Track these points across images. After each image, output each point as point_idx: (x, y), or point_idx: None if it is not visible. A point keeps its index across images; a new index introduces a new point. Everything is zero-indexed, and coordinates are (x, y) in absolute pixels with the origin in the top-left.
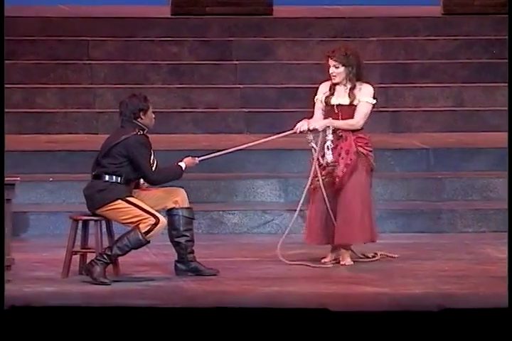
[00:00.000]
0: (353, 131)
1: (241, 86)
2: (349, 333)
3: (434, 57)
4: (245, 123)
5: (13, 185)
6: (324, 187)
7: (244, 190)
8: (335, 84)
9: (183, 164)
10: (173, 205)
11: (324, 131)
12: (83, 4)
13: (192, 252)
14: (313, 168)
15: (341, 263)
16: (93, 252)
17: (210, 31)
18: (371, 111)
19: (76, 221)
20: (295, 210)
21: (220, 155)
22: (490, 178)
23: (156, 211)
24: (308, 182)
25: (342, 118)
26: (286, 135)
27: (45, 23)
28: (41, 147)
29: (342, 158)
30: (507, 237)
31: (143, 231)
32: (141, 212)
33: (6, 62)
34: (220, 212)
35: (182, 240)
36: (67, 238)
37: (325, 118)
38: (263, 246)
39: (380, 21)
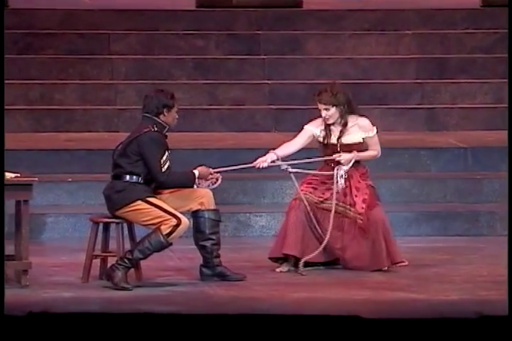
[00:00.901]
0: (356, 166)
1: (269, 82)
2: None
3: (472, 52)
4: (274, 121)
5: (31, 185)
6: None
7: (272, 191)
8: (329, 125)
9: (196, 172)
10: (198, 207)
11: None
12: None
13: (218, 256)
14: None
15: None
16: (114, 256)
17: (237, 24)
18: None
19: (96, 223)
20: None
21: (237, 169)
22: None
23: (181, 213)
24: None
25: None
26: (245, 168)
27: (64, 16)
28: (60, 146)
29: (356, 196)
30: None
31: (164, 233)
32: (162, 213)
33: (24, 56)
34: (247, 214)
35: (208, 243)
36: (87, 241)
37: (323, 155)
38: None
39: (415, 13)
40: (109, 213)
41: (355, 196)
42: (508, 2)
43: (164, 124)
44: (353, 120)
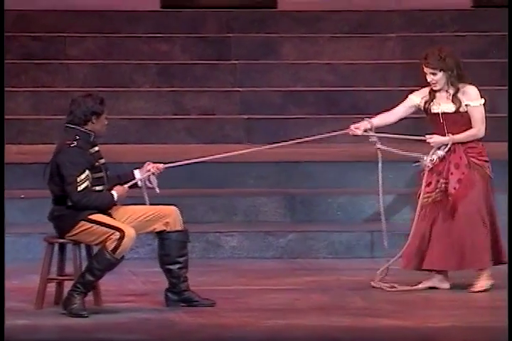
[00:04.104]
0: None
1: (241, 89)
2: None
3: (463, 56)
4: (245, 131)
5: None
6: (430, 205)
7: (244, 208)
8: (435, 91)
9: (114, 192)
10: (163, 227)
11: (439, 147)
12: None
13: (185, 280)
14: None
15: (473, 289)
16: (71, 280)
17: (206, 26)
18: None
19: (51, 244)
20: (303, 231)
21: (182, 165)
22: None
23: (144, 232)
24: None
25: (447, 127)
26: (333, 135)
27: (16, 17)
28: (11, 159)
29: (452, 174)
30: None
31: (109, 249)
32: (105, 229)
33: None
34: (217, 234)
35: (174, 267)
36: (42, 263)
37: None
38: (266, 272)
39: (400, 15)
40: (60, 238)
41: (451, 173)
42: (508, 5)
43: (90, 133)
44: (461, 88)
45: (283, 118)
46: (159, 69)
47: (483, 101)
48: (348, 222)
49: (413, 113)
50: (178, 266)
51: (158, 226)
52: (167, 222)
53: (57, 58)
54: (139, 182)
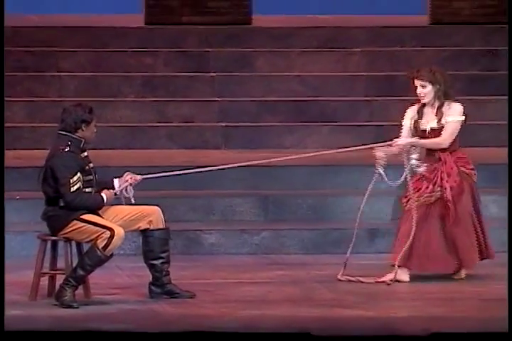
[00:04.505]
0: (451, 151)
1: (219, 99)
2: None
3: None
4: (223, 138)
5: None
6: (419, 208)
7: (221, 209)
8: (423, 106)
9: (104, 195)
10: (147, 226)
11: (408, 151)
12: (52, 13)
13: (167, 274)
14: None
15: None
16: (63, 274)
17: (187, 41)
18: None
19: (44, 241)
20: (275, 229)
21: (163, 176)
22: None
23: (129, 231)
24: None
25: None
26: (381, 146)
27: (12, 33)
28: (8, 163)
29: (447, 182)
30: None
31: (100, 246)
32: (96, 228)
33: None
34: (197, 232)
35: (157, 262)
36: (35, 259)
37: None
38: (242, 267)
39: (364, 31)
40: (53, 236)
41: (446, 182)
42: (508, 6)
43: (81, 139)
44: (446, 104)
45: (257, 126)
46: (144, 80)
47: (463, 118)
48: (317, 221)
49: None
50: (160, 261)
51: (143, 225)
52: (150, 221)
53: (50, 71)
54: (118, 192)
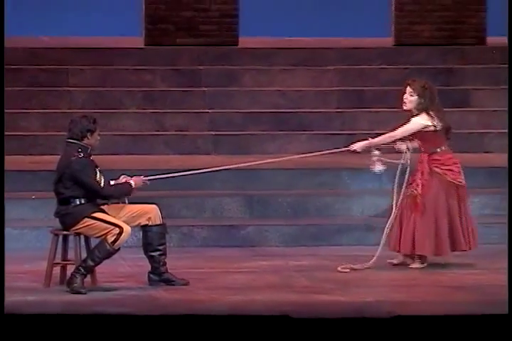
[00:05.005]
0: (429, 154)
1: (209, 111)
2: (309, 338)
3: (386, 85)
4: (213, 145)
5: None
6: (404, 202)
7: (212, 207)
8: (409, 116)
9: (132, 182)
10: (146, 222)
11: (370, 152)
12: (63, 36)
13: (164, 264)
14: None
15: (411, 266)
16: (72, 264)
17: (181, 60)
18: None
19: (57, 235)
20: (259, 225)
21: (167, 177)
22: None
23: (131, 226)
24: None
25: (421, 142)
26: (338, 152)
27: (29, 53)
28: (25, 167)
29: (419, 179)
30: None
31: (110, 241)
32: (106, 225)
33: None
34: (190, 227)
35: (155, 254)
36: (49, 251)
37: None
38: (229, 258)
39: (336, 51)
40: (65, 231)
41: (419, 179)
42: (508, 7)
43: (87, 146)
44: (420, 114)
45: (243, 134)
46: (143, 94)
47: (426, 122)
48: (295, 218)
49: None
50: (158, 252)
51: (143, 221)
52: (149, 218)
53: (61, 86)
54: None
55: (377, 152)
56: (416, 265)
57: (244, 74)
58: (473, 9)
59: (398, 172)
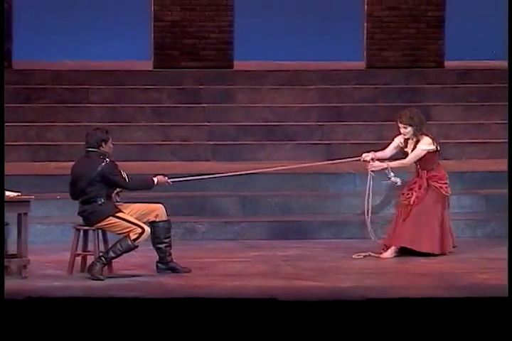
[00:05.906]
0: (428, 170)
1: (208, 124)
2: (293, 318)
3: (359, 102)
4: (212, 153)
5: (29, 202)
6: (400, 207)
7: (212, 206)
8: (407, 139)
9: (155, 179)
10: (154, 218)
11: (386, 169)
12: (84, 59)
13: (170, 255)
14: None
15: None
16: (92, 255)
17: (184, 81)
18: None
19: (78, 230)
20: (251, 221)
21: (187, 180)
22: None
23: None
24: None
25: (419, 163)
26: (350, 161)
27: (54, 75)
28: (51, 172)
29: (415, 191)
30: None
31: (132, 238)
32: (129, 225)
33: (23, 105)
34: (192, 223)
35: (162, 246)
36: (71, 243)
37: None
38: (226, 249)
39: (317, 73)
40: (87, 227)
41: (415, 191)
42: (508, 7)
43: (105, 153)
44: (421, 138)
45: (237, 144)
46: (152, 110)
47: (429, 147)
48: (282, 215)
49: None
50: (165, 244)
51: (151, 218)
52: (157, 215)
53: (82, 103)
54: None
55: (392, 173)
56: (386, 255)
57: (239, 93)
58: (432, 37)
59: (369, 176)
